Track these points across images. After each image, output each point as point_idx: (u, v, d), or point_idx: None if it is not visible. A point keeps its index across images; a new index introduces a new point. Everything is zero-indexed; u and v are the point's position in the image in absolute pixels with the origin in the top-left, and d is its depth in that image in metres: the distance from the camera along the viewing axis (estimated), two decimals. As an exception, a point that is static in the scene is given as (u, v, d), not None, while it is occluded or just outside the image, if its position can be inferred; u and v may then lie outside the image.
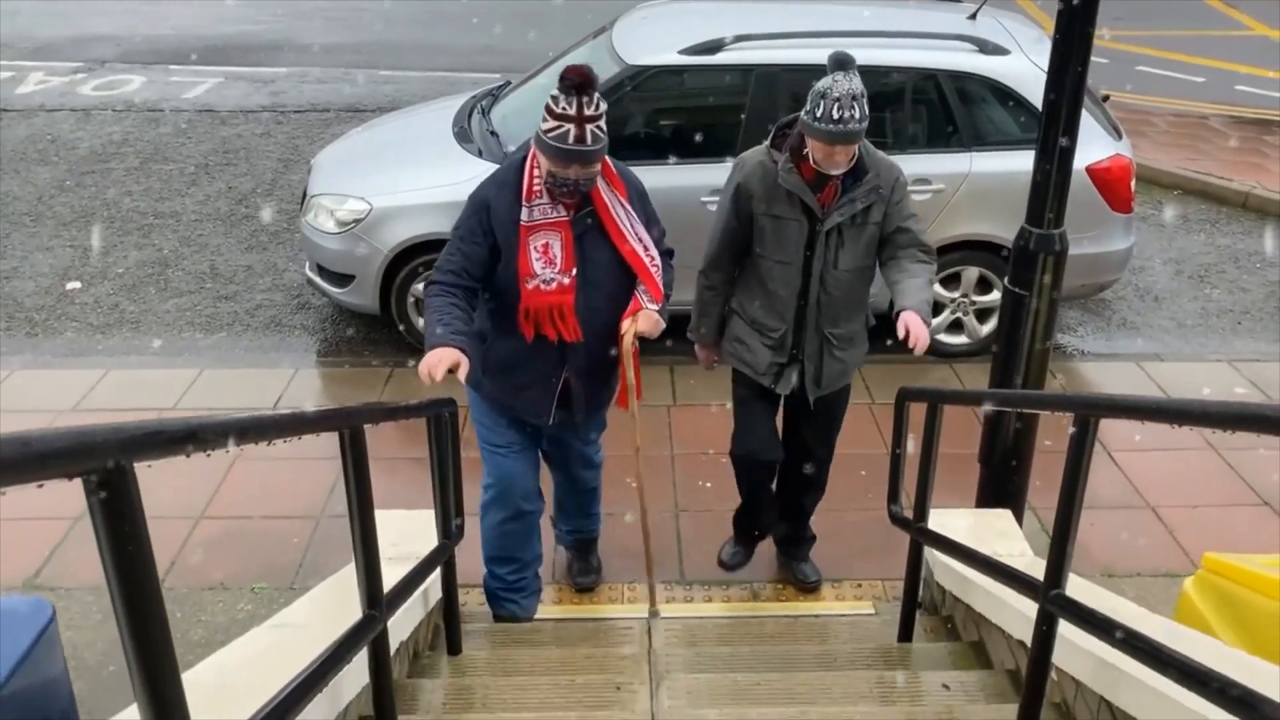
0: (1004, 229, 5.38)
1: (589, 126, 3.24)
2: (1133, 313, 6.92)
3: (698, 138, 5.89)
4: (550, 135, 3.26)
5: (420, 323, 5.94)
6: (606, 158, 3.46)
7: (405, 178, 6.06)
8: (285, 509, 4.91)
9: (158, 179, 8.60)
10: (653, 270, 3.55)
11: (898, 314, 3.49)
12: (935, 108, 5.98)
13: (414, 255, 5.87)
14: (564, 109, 3.23)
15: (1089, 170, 5.77)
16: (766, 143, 3.74)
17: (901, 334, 3.42)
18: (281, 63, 11.73)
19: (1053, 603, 2.35)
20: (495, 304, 3.56)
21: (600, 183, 3.46)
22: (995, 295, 6.01)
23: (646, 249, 3.56)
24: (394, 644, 2.81)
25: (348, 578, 2.43)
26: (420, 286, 5.63)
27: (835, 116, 3.40)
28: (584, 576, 4.48)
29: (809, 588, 4.47)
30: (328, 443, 2.16)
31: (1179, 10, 13.36)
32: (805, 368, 3.88)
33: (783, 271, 3.75)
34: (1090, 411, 2.25)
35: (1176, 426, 1.89)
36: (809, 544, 4.53)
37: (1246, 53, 11.79)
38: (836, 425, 4.17)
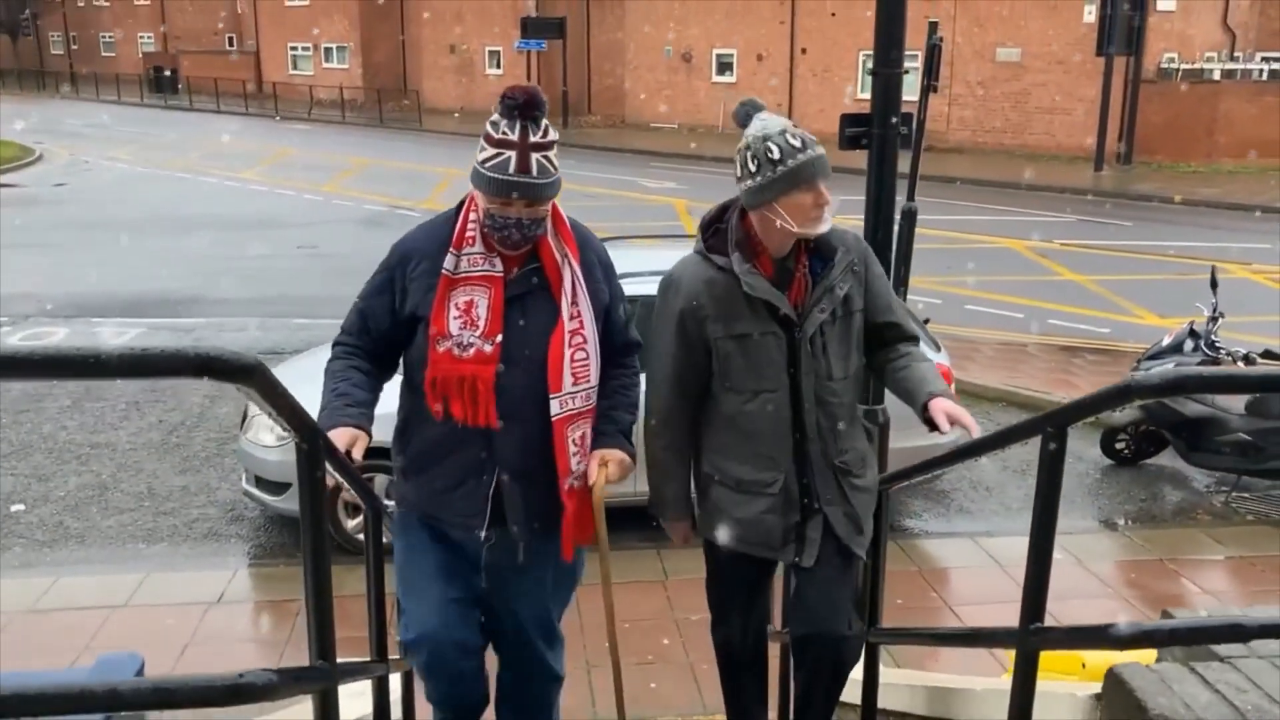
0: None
1: (535, 155, 2.73)
2: (967, 500, 8.08)
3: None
4: (488, 165, 2.75)
5: (350, 525, 6.74)
6: (564, 215, 2.96)
7: (340, 396, 6.93)
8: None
9: (91, 415, 9.30)
10: (567, 365, 2.88)
11: (926, 404, 2.87)
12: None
13: (347, 462, 6.68)
14: (504, 134, 2.73)
15: (915, 376, 7.00)
16: (697, 246, 2.98)
17: (944, 424, 2.79)
18: (198, 314, 12.70)
19: (875, 635, 3.27)
20: (412, 377, 2.97)
21: (550, 238, 2.89)
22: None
23: (578, 329, 2.89)
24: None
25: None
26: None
27: (798, 145, 2.69)
28: None
29: None
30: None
31: (999, 261, 15.49)
32: (828, 518, 2.97)
33: (765, 404, 2.91)
34: (883, 487, 3.27)
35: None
36: None
37: (1057, 293, 13.77)
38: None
